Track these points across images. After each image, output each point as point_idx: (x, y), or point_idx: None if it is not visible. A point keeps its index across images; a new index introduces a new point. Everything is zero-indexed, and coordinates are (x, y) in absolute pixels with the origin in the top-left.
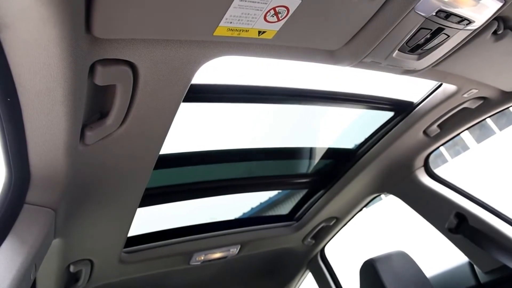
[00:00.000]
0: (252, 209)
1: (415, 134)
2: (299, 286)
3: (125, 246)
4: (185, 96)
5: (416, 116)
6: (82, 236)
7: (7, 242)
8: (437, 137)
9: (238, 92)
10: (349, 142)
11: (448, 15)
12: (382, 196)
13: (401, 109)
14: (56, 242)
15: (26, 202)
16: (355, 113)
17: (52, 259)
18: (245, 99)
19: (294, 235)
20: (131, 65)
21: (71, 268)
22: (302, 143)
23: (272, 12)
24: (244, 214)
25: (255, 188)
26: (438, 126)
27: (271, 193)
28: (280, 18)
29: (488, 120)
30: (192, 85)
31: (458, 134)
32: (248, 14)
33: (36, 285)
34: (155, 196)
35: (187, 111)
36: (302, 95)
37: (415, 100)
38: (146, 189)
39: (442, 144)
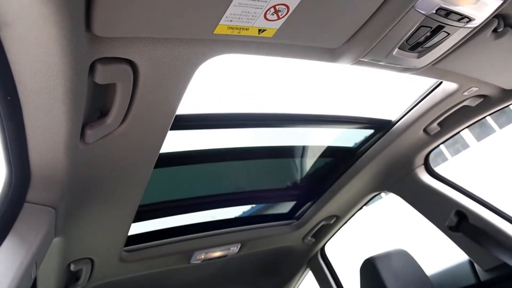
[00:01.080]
0: (252, 207)
1: (415, 132)
2: (299, 285)
3: (126, 245)
4: (174, 125)
5: (416, 114)
6: (82, 235)
7: (7, 241)
8: (437, 135)
9: (228, 119)
10: (349, 140)
11: (448, 13)
12: (382, 194)
13: (381, 127)
14: (56, 240)
15: (27, 201)
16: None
17: (52, 258)
18: (234, 125)
19: (294, 234)
20: (131, 64)
21: (72, 267)
22: (302, 142)
23: (272, 10)
24: (244, 212)
25: (253, 201)
26: (438, 124)
27: (271, 192)
28: (280, 16)
29: (488, 118)
30: (180, 115)
31: (458, 132)
32: (248, 12)
33: (36, 284)
34: (148, 212)
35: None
36: (290, 119)
37: (393, 118)
38: (140, 206)
39: (442, 142)
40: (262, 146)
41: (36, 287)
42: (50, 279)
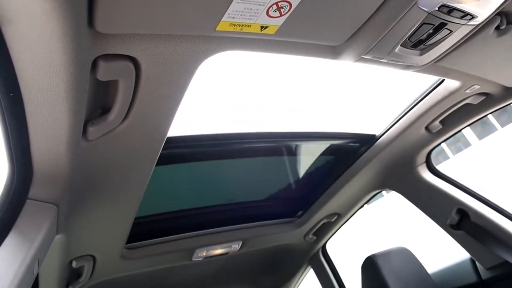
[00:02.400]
0: (254, 205)
1: (417, 130)
2: (300, 283)
3: (127, 242)
4: (166, 146)
5: (418, 112)
6: (84, 232)
7: (10, 238)
8: (439, 133)
9: (219, 139)
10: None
11: (450, 10)
12: (384, 192)
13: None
14: (58, 237)
15: (29, 198)
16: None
17: (54, 255)
18: (225, 144)
19: (296, 232)
20: (134, 61)
21: (74, 264)
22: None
23: (274, 7)
24: (246, 210)
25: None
26: (440, 122)
27: (273, 190)
28: (283, 13)
29: (490, 117)
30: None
31: (460, 130)
32: (251, 9)
33: (38, 281)
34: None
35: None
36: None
37: (379, 130)
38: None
39: (444, 140)
40: (263, 145)
41: (38, 284)
42: (52, 276)
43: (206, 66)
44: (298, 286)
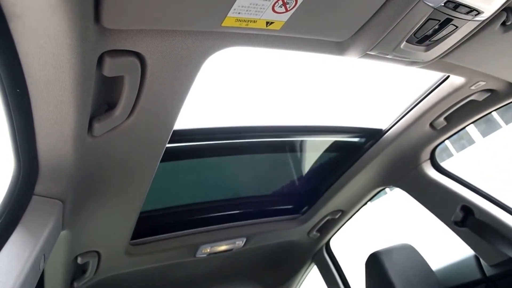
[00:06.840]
0: (258, 202)
1: (422, 126)
2: (304, 279)
3: (132, 238)
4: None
5: (423, 108)
6: (89, 228)
7: (16, 233)
8: (444, 130)
9: (224, 132)
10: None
11: (456, 5)
12: (387, 190)
13: (372, 136)
14: (64, 233)
15: (35, 194)
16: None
17: (60, 251)
18: (230, 137)
19: (300, 228)
20: (139, 56)
21: (79, 260)
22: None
23: (280, 2)
24: (250, 207)
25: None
26: (445, 118)
27: (277, 186)
28: (288, 9)
29: (494, 114)
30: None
31: (465, 127)
32: (257, 4)
33: (44, 276)
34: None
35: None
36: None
37: (384, 127)
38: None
39: (449, 137)
40: (268, 140)
41: (43, 280)
42: (57, 272)
43: (211, 62)
44: (301, 283)
